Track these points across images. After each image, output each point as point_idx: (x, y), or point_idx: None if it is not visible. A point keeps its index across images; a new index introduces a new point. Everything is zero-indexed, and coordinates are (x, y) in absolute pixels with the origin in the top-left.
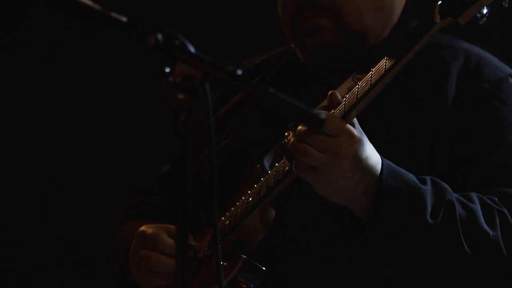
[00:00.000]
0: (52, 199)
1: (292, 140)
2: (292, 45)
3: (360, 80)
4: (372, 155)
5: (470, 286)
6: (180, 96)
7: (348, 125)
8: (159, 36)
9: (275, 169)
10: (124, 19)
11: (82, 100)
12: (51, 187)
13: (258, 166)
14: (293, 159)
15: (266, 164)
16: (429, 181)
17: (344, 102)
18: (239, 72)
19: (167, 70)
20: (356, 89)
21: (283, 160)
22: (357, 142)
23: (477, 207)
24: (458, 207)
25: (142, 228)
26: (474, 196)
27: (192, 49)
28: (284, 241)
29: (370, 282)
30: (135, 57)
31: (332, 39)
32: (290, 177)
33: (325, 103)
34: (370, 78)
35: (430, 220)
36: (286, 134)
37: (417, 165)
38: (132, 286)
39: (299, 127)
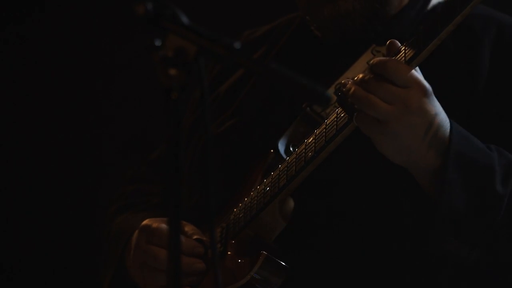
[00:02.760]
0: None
1: (354, 88)
2: (307, 17)
3: (379, 52)
4: (441, 112)
5: None
6: (172, 71)
7: (420, 76)
8: (149, 6)
9: (295, 155)
10: None
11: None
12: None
13: (272, 151)
14: (354, 111)
15: (281, 148)
16: (494, 149)
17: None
18: (238, 45)
19: (158, 43)
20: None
21: (304, 145)
22: (429, 96)
23: None
24: None
25: (146, 221)
26: None
27: (185, 19)
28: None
29: (434, 254)
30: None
31: (351, 6)
32: (313, 164)
33: (341, 79)
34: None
35: (500, 189)
36: (343, 82)
37: None
38: (129, 287)
39: (360, 75)
